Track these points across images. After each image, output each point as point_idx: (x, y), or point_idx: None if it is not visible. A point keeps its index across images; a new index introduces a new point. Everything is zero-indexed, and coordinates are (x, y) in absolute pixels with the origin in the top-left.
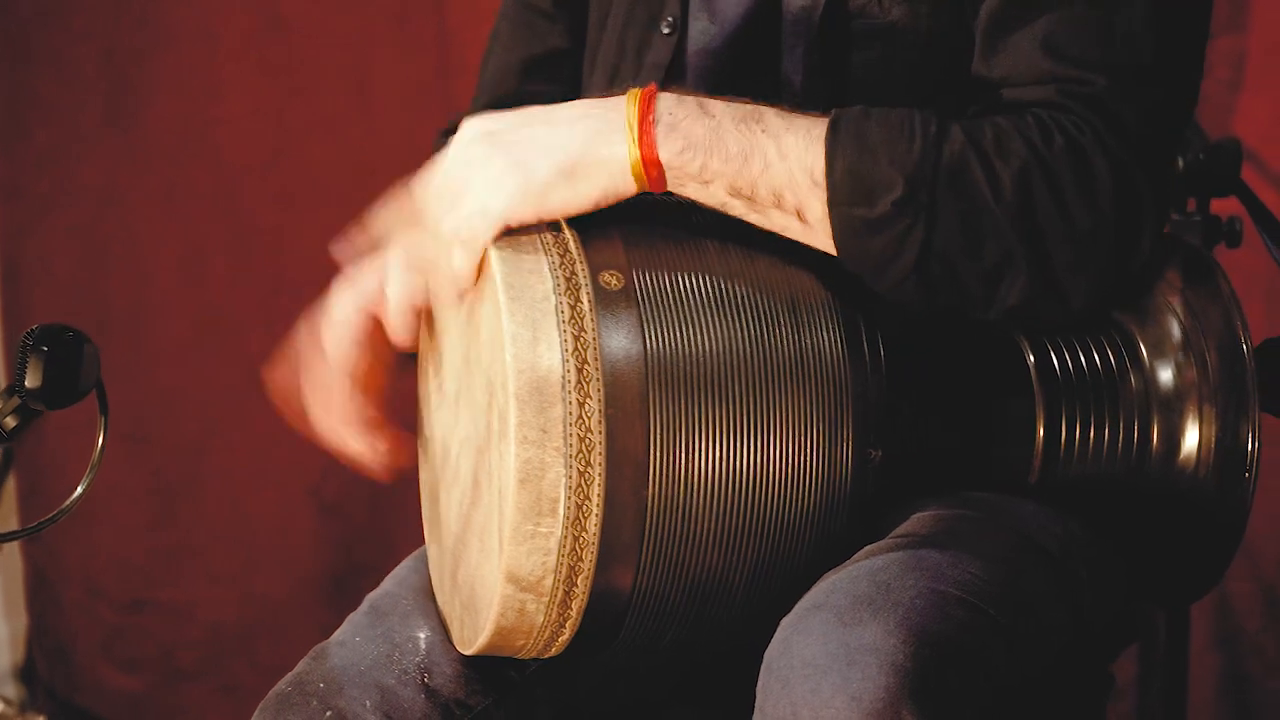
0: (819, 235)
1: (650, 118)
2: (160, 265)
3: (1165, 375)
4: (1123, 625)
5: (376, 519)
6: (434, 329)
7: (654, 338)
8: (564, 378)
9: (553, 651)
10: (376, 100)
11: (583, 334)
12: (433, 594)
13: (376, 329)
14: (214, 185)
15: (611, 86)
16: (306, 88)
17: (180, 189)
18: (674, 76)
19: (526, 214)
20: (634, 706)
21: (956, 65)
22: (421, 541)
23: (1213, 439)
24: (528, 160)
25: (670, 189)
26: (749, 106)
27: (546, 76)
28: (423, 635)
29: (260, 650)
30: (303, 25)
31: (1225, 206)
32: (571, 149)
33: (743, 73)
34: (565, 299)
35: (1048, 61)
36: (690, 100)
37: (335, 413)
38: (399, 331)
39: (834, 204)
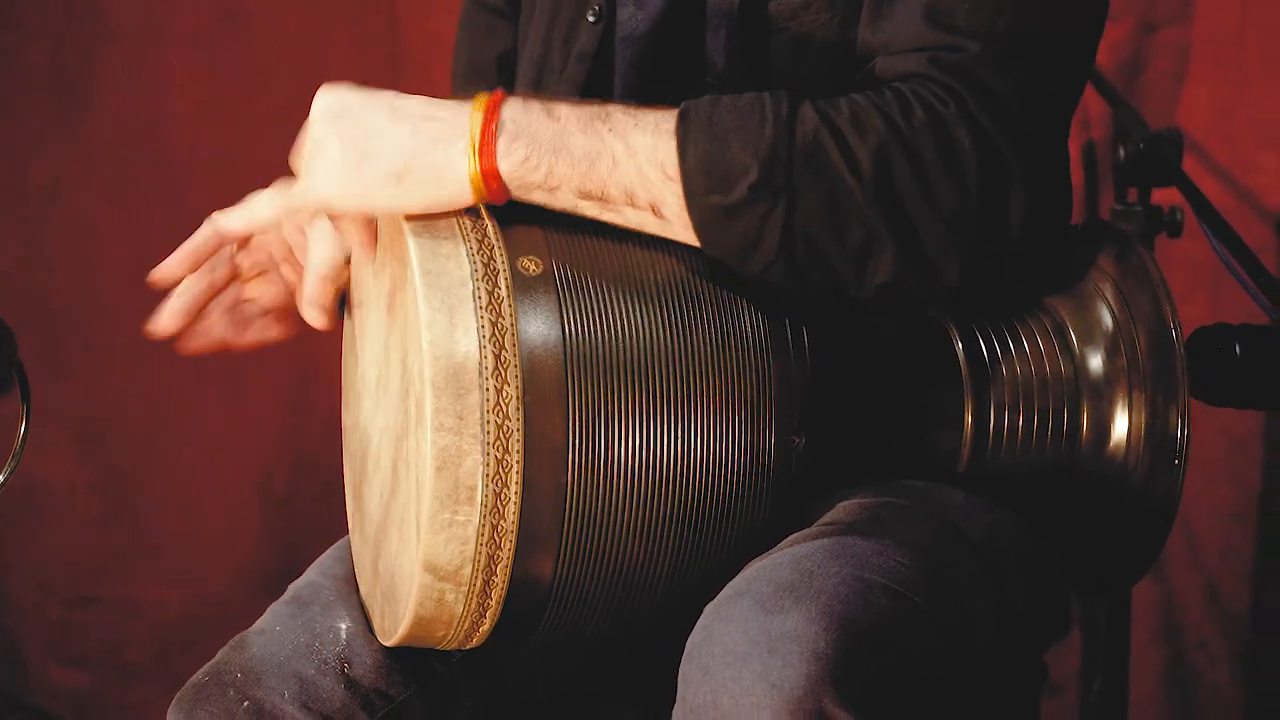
0: (677, 228)
1: (493, 127)
2: (109, 262)
3: (1095, 362)
4: (1056, 615)
5: (324, 514)
6: (356, 317)
7: (573, 324)
8: (481, 364)
9: (474, 642)
10: None
11: (500, 320)
12: (356, 584)
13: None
14: (163, 182)
15: (539, 77)
16: (257, 84)
17: (129, 186)
18: (601, 64)
19: (349, 209)
20: (561, 700)
21: None
22: None
23: (1143, 426)
24: (362, 156)
25: (515, 198)
26: (595, 107)
27: (507, 76)
28: (344, 625)
29: (209, 647)
30: (253, 20)
31: (1166, 196)
32: (407, 152)
33: (668, 58)
34: (483, 285)
35: (926, 28)
36: (535, 105)
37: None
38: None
39: (690, 194)
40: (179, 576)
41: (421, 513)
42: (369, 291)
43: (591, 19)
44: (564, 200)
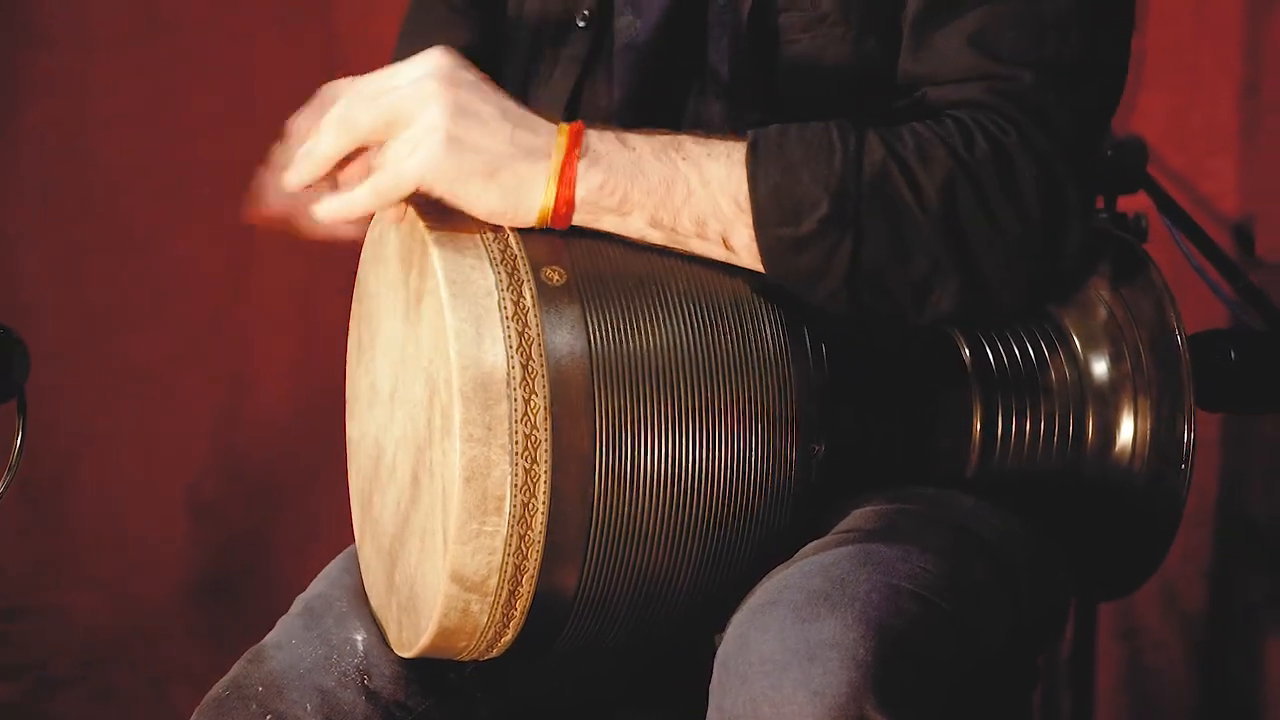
0: (744, 258)
1: (575, 153)
2: (36, 267)
3: (1099, 368)
4: (1055, 618)
5: (254, 521)
6: (364, 328)
7: (598, 333)
8: (509, 374)
9: (494, 653)
10: (260, 99)
11: (527, 330)
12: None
13: None
14: (91, 186)
15: (528, 80)
16: (186, 87)
17: (56, 190)
18: (591, 70)
19: (436, 190)
20: (577, 709)
21: (885, 60)
22: (299, 542)
23: (1148, 430)
24: (466, 138)
25: (584, 223)
26: (667, 136)
27: None
28: (360, 637)
29: (137, 656)
30: (182, 24)
31: (1131, 204)
32: (502, 154)
33: (669, 66)
34: (508, 295)
35: (974, 58)
36: (610, 134)
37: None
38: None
39: (760, 226)
40: (106, 585)
41: (449, 523)
42: (380, 302)
43: (581, 24)
44: (633, 226)
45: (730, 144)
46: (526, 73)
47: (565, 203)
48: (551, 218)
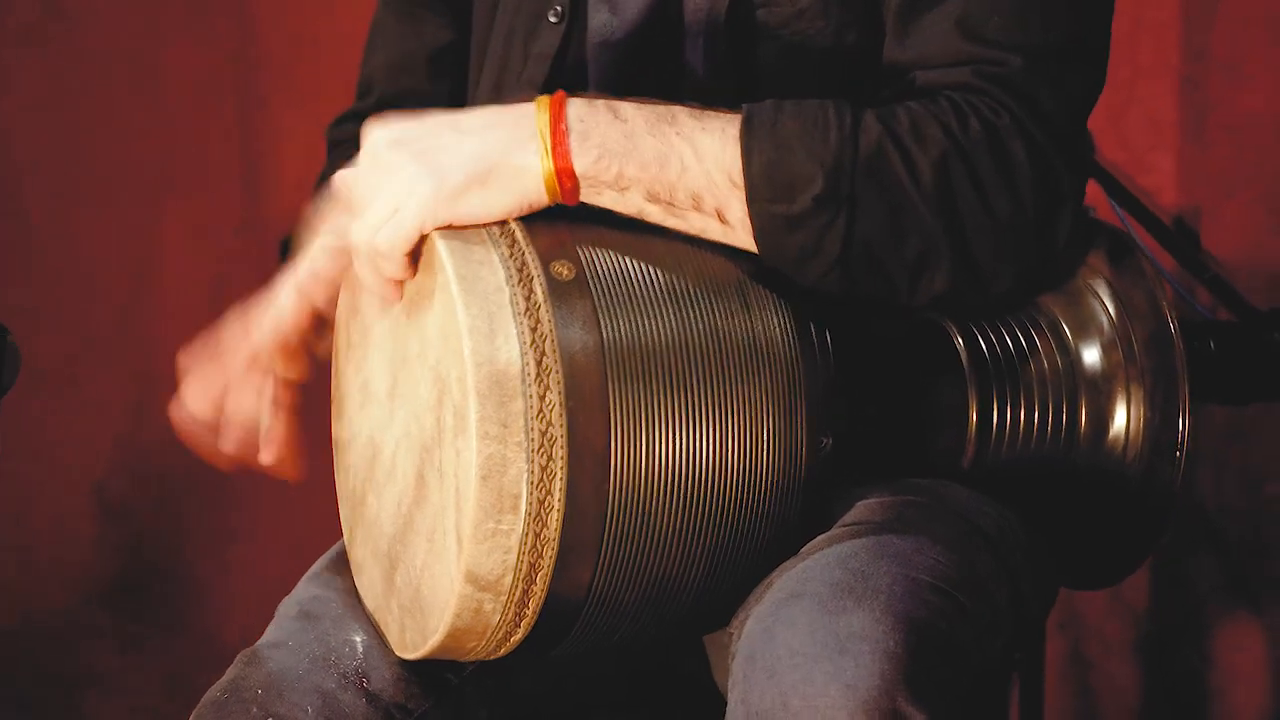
0: (739, 234)
1: (562, 126)
2: None
3: (1091, 357)
4: (1043, 611)
5: (164, 520)
6: (353, 327)
7: (610, 328)
8: (523, 371)
9: (502, 652)
10: (168, 92)
11: (539, 325)
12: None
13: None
14: None
15: (500, 78)
16: (91, 79)
17: None
18: (562, 67)
19: (442, 219)
20: (576, 708)
21: (866, 53)
22: (210, 543)
23: (1142, 420)
24: (440, 166)
25: (584, 199)
26: (660, 107)
27: (436, 72)
28: (359, 639)
29: (44, 658)
30: (86, 15)
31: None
32: (485, 156)
33: (645, 64)
34: (519, 290)
35: (962, 42)
36: (600, 104)
37: (248, 402)
38: (274, 359)
39: (753, 202)
40: (9, 586)
41: (463, 522)
42: (373, 300)
43: (554, 19)
44: (631, 202)
45: (725, 118)
46: (499, 70)
47: (568, 175)
48: (560, 194)
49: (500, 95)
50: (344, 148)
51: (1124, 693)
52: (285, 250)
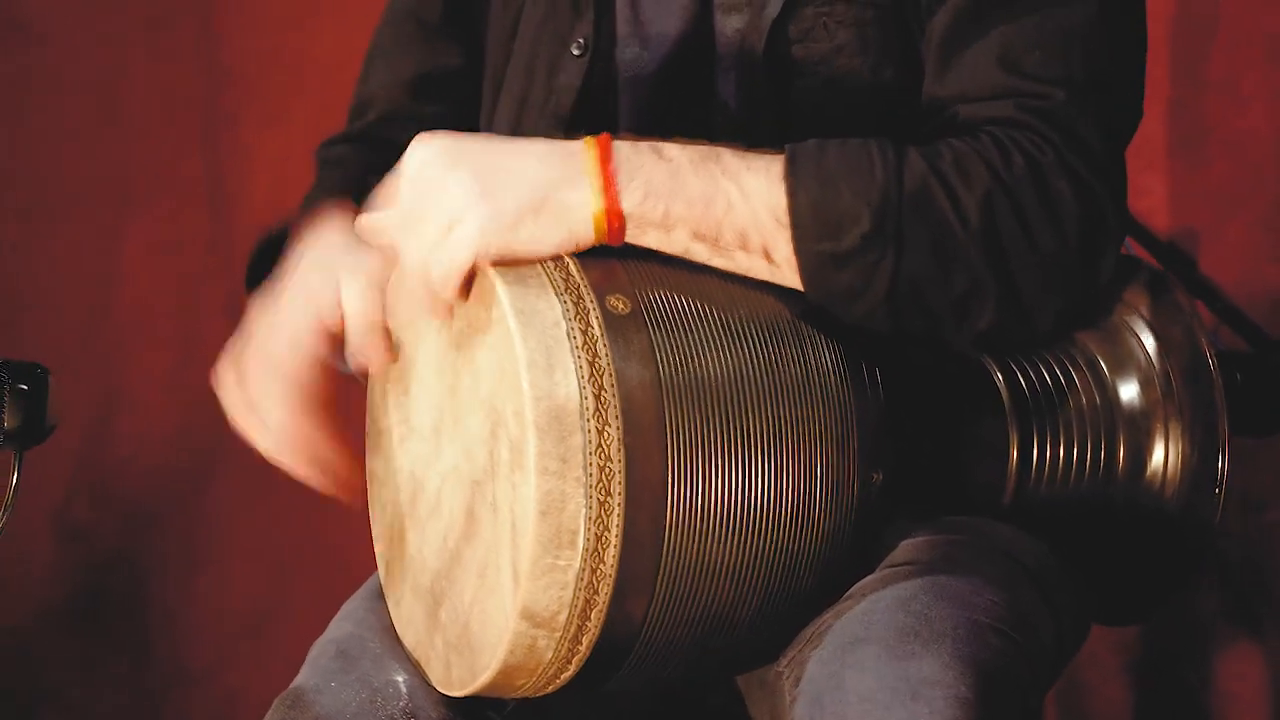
0: (786, 273)
1: (610, 166)
2: None
3: (1129, 394)
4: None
5: (126, 544)
6: (392, 359)
7: (666, 362)
8: (582, 405)
9: (551, 689)
10: (129, 106)
11: (597, 359)
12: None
13: (326, 344)
14: None
15: (521, 109)
16: (49, 93)
17: None
18: (586, 100)
19: (496, 247)
20: None
21: (903, 90)
22: (174, 566)
23: (1179, 456)
24: (497, 187)
25: (629, 239)
26: (704, 148)
27: (438, 96)
28: (401, 679)
29: (4, 684)
30: (45, 28)
31: None
32: (539, 187)
33: (677, 98)
34: (576, 324)
35: (1004, 76)
36: (644, 145)
37: (279, 431)
38: (364, 351)
39: (800, 240)
40: None
41: (520, 558)
42: (415, 334)
43: (576, 52)
44: (677, 241)
45: (769, 157)
46: (520, 102)
47: (616, 215)
48: (607, 233)
49: (521, 126)
50: (333, 167)
51: (1123, 718)
52: (258, 258)
